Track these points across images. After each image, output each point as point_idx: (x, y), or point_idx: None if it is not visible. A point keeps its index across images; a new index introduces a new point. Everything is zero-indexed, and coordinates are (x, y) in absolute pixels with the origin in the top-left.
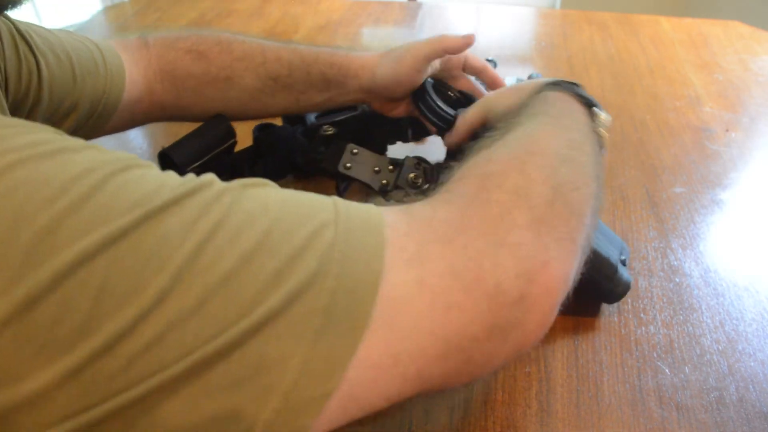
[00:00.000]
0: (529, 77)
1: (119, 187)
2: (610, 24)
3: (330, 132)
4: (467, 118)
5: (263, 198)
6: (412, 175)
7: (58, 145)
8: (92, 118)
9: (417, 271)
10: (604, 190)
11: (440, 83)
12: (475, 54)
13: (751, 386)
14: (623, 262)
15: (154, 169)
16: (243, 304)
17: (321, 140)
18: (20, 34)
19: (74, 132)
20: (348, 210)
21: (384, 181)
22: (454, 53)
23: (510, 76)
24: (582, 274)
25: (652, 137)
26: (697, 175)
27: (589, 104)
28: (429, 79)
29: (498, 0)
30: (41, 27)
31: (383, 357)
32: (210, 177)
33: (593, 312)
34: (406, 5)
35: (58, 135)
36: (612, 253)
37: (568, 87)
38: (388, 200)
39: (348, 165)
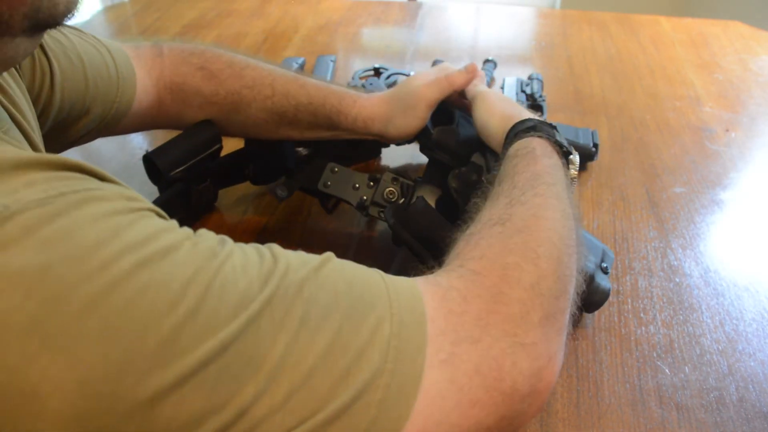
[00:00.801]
0: (529, 77)
1: (222, 290)
2: (610, 24)
3: (305, 153)
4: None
5: (333, 286)
6: (388, 190)
7: (162, 245)
8: (102, 122)
9: (450, 372)
10: (580, 231)
11: None
12: (475, 54)
13: (750, 386)
14: (605, 270)
15: (236, 252)
16: (320, 398)
17: (299, 161)
18: None
19: (84, 136)
20: (399, 299)
21: (363, 197)
22: (461, 89)
23: (510, 77)
24: None
25: (652, 137)
26: (697, 175)
27: (566, 153)
28: None
29: (498, 0)
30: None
31: None
32: (286, 261)
33: (574, 323)
34: (406, 5)
35: (155, 226)
36: (588, 262)
37: (549, 133)
38: (365, 216)
39: (328, 183)
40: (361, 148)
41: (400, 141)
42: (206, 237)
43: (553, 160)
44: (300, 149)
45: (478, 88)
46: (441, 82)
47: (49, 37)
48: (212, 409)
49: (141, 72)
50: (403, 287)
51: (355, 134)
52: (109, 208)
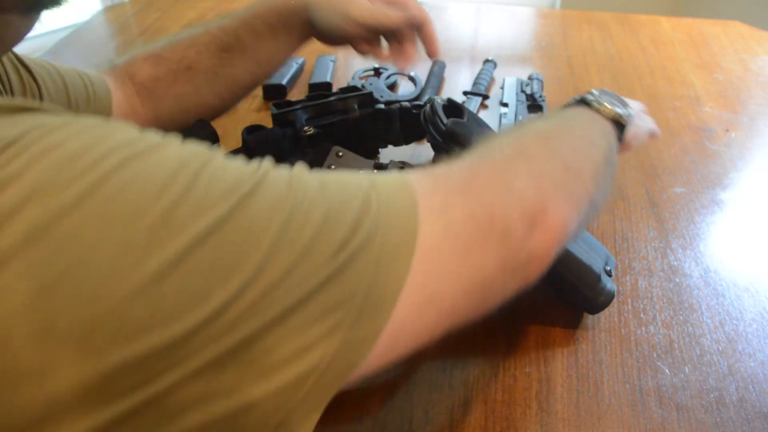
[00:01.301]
0: (529, 77)
1: (213, 175)
2: (610, 24)
3: (311, 132)
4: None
5: (318, 178)
6: None
7: (149, 143)
8: None
9: (443, 221)
10: (612, 175)
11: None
12: (475, 54)
13: (750, 386)
14: (608, 273)
15: (226, 157)
16: (318, 268)
17: (305, 141)
18: (18, 59)
19: None
20: (383, 177)
21: None
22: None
23: (510, 77)
24: (564, 282)
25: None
26: (697, 175)
27: (619, 125)
28: (438, 98)
29: (498, 0)
30: (33, 56)
31: (421, 297)
32: (269, 161)
33: (575, 323)
34: None
35: (139, 131)
36: (595, 263)
37: (602, 101)
38: None
39: (332, 167)
40: (369, 135)
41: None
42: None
43: (600, 127)
44: (306, 128)
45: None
46: (371, 9)
47: (33, 62)
48: (215, 283)
49: (112, 87)
50: (386, 176)
51: (297, 34)
52: (90, 123)
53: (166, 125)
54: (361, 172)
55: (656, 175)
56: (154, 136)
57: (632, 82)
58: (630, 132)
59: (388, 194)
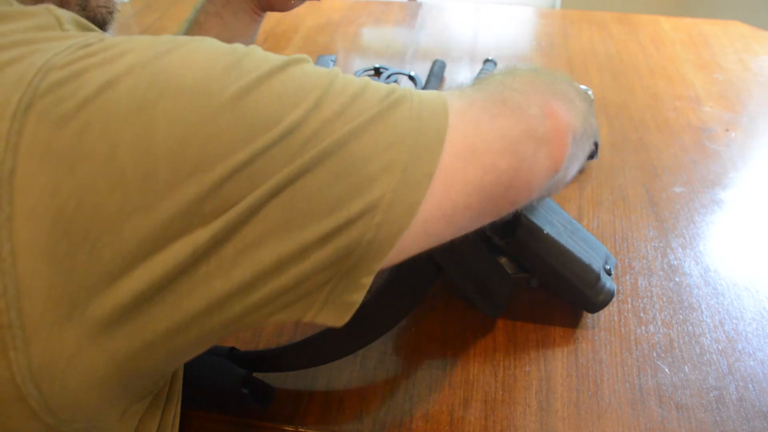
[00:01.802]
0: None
1: (261, 53)
2: (610, 24)
3: None
4: None
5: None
6: None
7: (197, 38)
8: None
9: (466, 99)
10: (592, 118)
11: None
12: (475, 54)
13: (750, 385)
14: (608, 272)
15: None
16: (369, 105)
17: None
18: None
19: None
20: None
21: None
22: None
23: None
24: (563, 281)
25: (652, 137)
26: (697, 174)
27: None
28: None
29: (498, 0)
30: None
31: (463, 146)
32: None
33: (575, 322)
34: (406, 5)
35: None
36: (595, 262)
37: None
38: None
39: None
40: None
41: None
42: None
43: None
44: None
45: None
46: None
47: None
48: (284, 108)
49: None
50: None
51: None
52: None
53: None
54: None
55: (656, 174)
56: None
57: (632, 82)
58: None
59: (409, 89)
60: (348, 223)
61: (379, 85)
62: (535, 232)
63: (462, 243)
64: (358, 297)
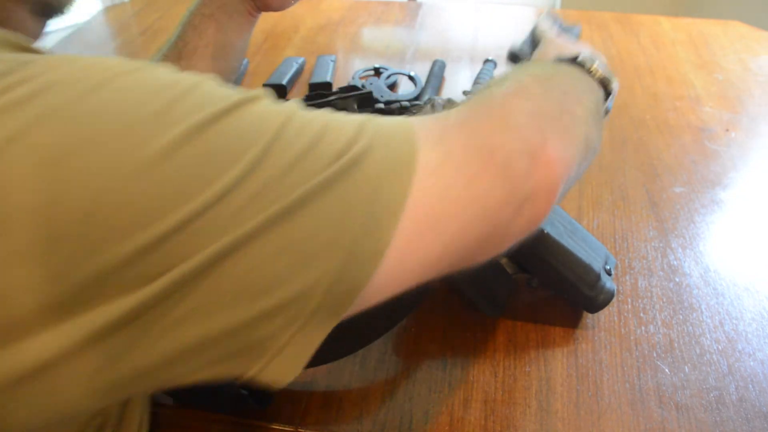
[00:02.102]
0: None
1: (207, 89)
2: (610, 24)
3: None
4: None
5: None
6: None
7: (139, 65)
8: None
9: (442, 149)
10: (600, 133)
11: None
12: (475, 54)
13: (750, 386)
14: (608, 272)
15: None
16: (318, 167)
17: None
18: None
19: None
20: (381, 119)
21: None
22: None
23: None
24: (563, 281)
25: (652, 137)
26: (697, 175)
27: (607, 90)
28: (438, 98)
29: (498, 0)
30: None
31: (425, 217)
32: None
33: (574, 323)
34: (406, 5)
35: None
36: (595, 262)
37: (592, 63)
38: None
39: None
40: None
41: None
42: None
43: (588, 86)
44: None
45: (548, 32)
46: None
47: None
48: (214, 171)
49: None
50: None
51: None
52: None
53: None
54: None
55: (656, 174)
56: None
57: (632, 82)
58: (611, 103)
59: (385, 123)
60: (281, 307)
61: (341, 129)
62: (536, 232)
63: None
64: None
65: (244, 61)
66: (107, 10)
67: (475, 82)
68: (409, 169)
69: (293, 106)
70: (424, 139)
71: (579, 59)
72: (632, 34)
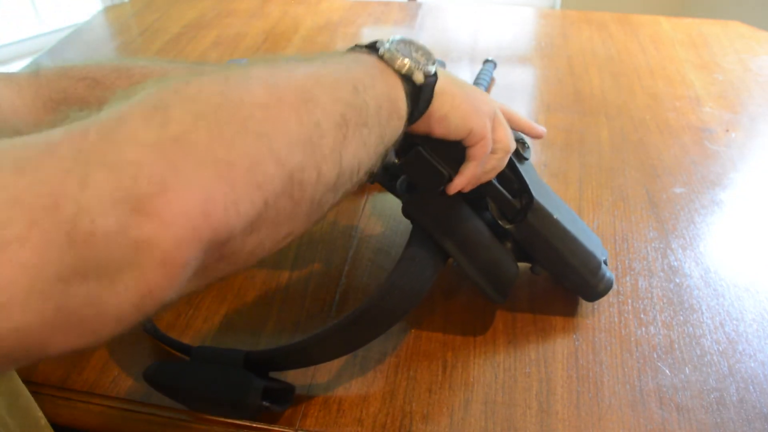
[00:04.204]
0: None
1: None
2: (610, 24)
3: None
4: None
5: None
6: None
7: None
8: None
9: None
10: (378, 142)
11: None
12: (475, 54)
13: (751, 387)
14: (605, 262)
15: None
16: None
17: None
18: None
19: None
20: None
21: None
22: None
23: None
24: (567, 266)
25: (652, 137)
26: (697, 175)
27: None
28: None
29: (498, 0)
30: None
31: None
32: None
33: (575, 323)
34: (405, 5)
35: None
36: (596, 250)
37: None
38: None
39: None
40: None
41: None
42: None
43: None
44: None
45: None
46: None
47: None
48: None
49: (10, 92)
50: None
51: None
52: None
53: None
54: None
55: (656, 175)
56: None
57: (632, 82)
58: (443, 112)
59: None
60: None
61: None
62: (545, 217)
63: (469, 230)
64: None
65: (244, 61)
66: (107, 10)
67: (475, 82)
68: None
69: None
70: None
71: (376, 46)
72: (632, 34)
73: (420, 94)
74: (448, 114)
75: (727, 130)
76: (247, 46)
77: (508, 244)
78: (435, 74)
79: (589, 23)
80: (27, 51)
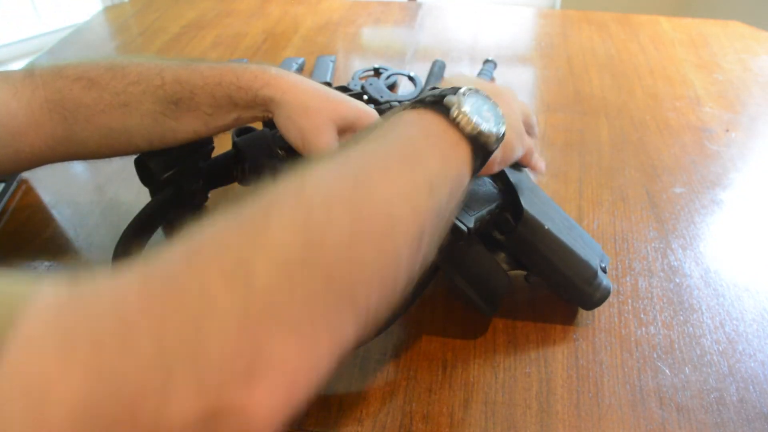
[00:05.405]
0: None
1: None
2: (610, 24)
3: (282, 154)
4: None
5: None
6: None
7: None
8: None
9: (30, 403)
10: (443, 226)
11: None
12: (475, 54)
13: (751, 387)
14: (603, 269)
15: None
16: None
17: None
18: None
19: None
20: None
21: None
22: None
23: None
24: (560, 277)
25: (652, 137)
26: (697, 175)
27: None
28: None
29: (498, 0)
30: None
31: None
32: None
33: (575, 323)
34: (405, 5)
35: None
36: (592, 259)
37: (435, 101)
38: None
39: None
40: None
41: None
42: None
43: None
44: (280, 151)
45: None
46: (351, 106)
47: None
48: None
49: (6, 95)
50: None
51: (258, 115)
52: None
53: (81, 152)
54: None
55: (656, 175)
56: None
57: (632, 82)
58: (498, 156)
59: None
60: None
61: None
62: (536, 228)
63: (459, 243)
64: None
65: (244, 62)
66: (107, 10)
67: None
68: None
69: None
70: (38, 318)
71: (446, 100)
72: (632, 34)
73: (488, 157)
74: (496, 156)
75: (727, 130)
76: (247, 46)
77: (502, 254)
78: (504, 134)
79: (589, 23)
80: (27, 51)
